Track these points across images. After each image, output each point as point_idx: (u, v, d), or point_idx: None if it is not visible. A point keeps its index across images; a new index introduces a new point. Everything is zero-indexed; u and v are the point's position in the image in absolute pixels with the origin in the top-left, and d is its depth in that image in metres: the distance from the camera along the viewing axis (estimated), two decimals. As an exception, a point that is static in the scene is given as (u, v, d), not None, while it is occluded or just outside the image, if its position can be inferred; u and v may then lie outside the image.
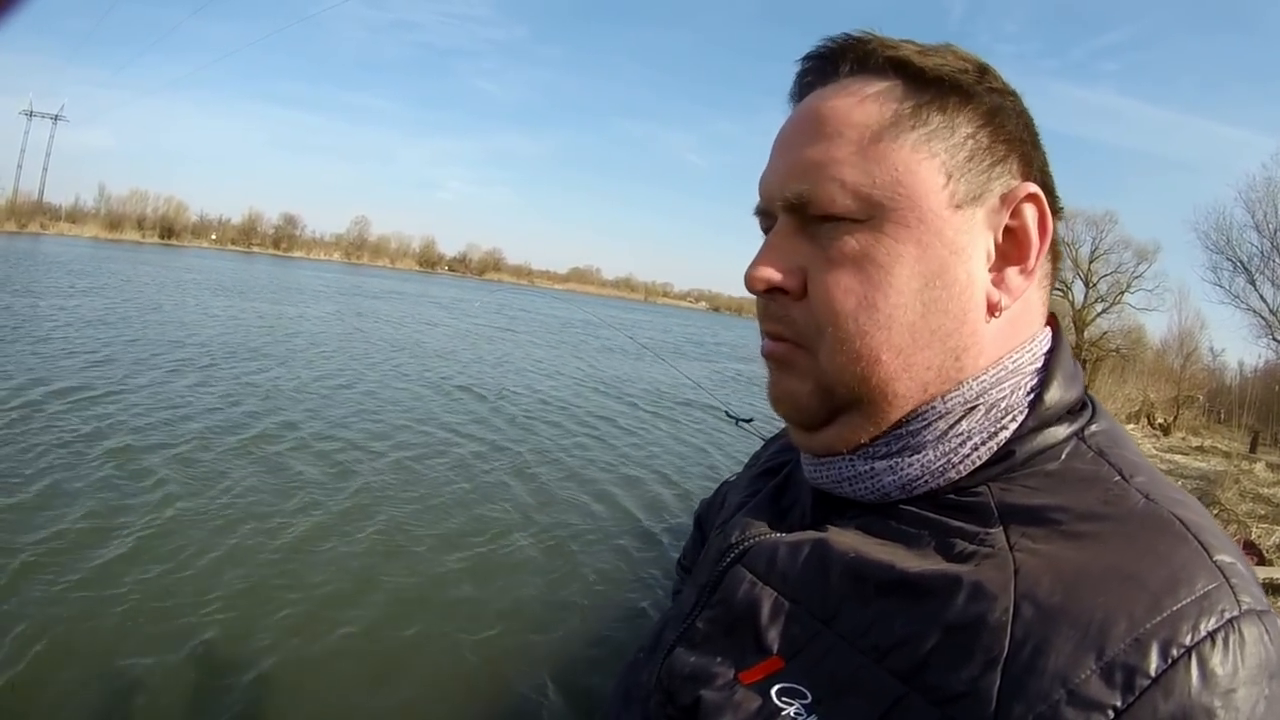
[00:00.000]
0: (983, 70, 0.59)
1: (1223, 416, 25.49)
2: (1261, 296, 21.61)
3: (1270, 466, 14.78)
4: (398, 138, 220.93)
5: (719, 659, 0.56)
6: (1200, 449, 18.11)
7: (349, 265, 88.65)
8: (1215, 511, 8.91)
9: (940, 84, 0.58)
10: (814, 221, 0.58)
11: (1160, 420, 21.80)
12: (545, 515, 6.64)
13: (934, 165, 0.56)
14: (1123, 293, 27.96)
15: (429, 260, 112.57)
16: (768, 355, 0.62)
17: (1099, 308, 28.22)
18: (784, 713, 0.50)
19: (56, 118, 76.14)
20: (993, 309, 0.58)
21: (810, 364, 0.59)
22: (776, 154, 0.63)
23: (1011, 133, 0.59)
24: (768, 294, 0.60)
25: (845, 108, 0.58)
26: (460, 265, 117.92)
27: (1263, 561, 6.91)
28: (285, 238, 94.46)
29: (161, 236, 77.85)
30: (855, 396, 0.57)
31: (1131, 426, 20.76)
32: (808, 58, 0.64)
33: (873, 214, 0.56)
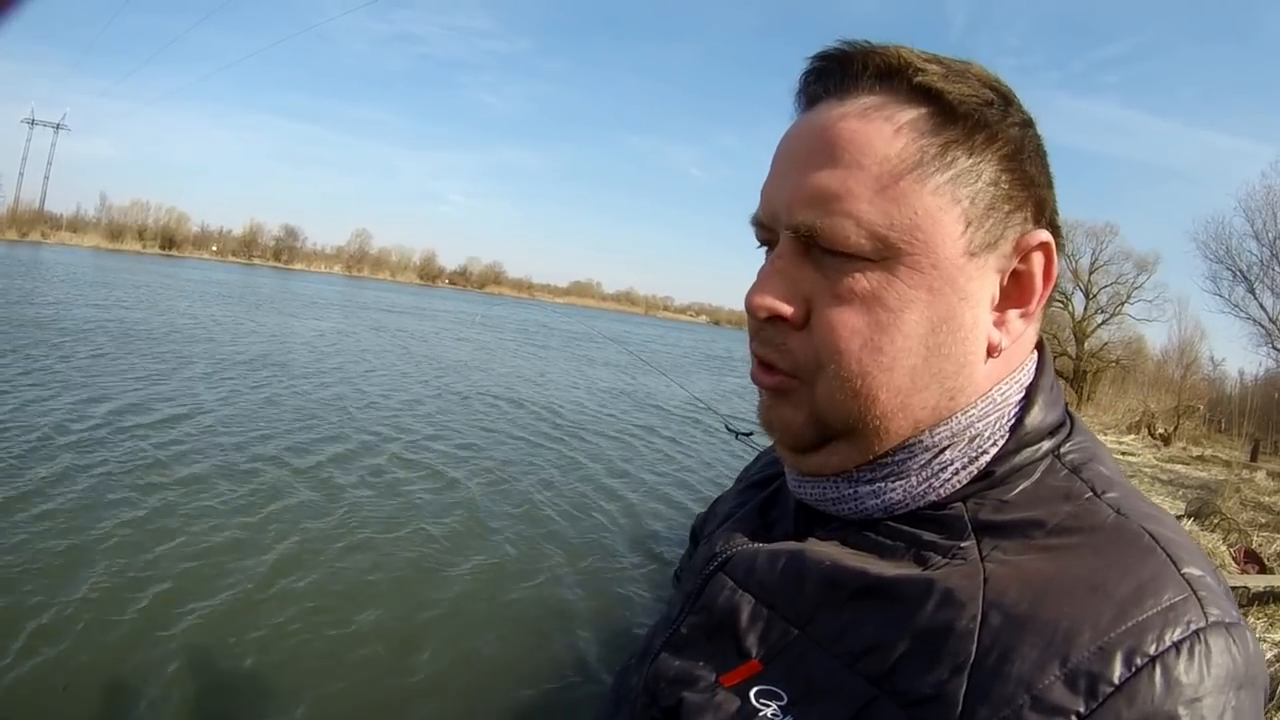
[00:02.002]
0: (1007, 100, 0.57)
1: (1223, 426, 25.43)
2: (1261, 305, 21.77)
3: (1271, 475, 14.74)
4: (399, 150, 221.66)
5: (701, 663, 0.57)
6: (1201, 458, 18.06)
7: (350, 278, 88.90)
8: (1216, 520, 8.90)
9: (966, 119, 0.55)
10: (822, 252, 0.56)
11: (1161, 430, 21.76)
12: (565, 524, 6.75)
13: (955, 213, 0.55)
14: (1123, 304, 28.13)
15: (430, 273, 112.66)
16: (760, 385, 0.61)
17: (1099, 319, 28.37)
18: (761, 714, 0.51)
19: (58, 126, 76.58)
20: (992, 350, 0.58)
21: (806, 395, 0.58)
22: (784, 169, 0.59)
23: (1031, 176, 0.57)
24: (767, 320, 0.59)
25: (866, 135, 0.55)
26: (461, 279, 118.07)
27: (1264, 570, 6.88)
28: (286, 250, 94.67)
29: (162, 247, 78.13)
30: (848, 429, 0.57)
31: (1132, 437, 20.76)
32: (822, 58, 0.60)
33: (886, 255, 0.54)
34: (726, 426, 5.12)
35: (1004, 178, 0.56)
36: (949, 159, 0.55)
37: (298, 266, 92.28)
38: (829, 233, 0.55)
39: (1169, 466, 15.83)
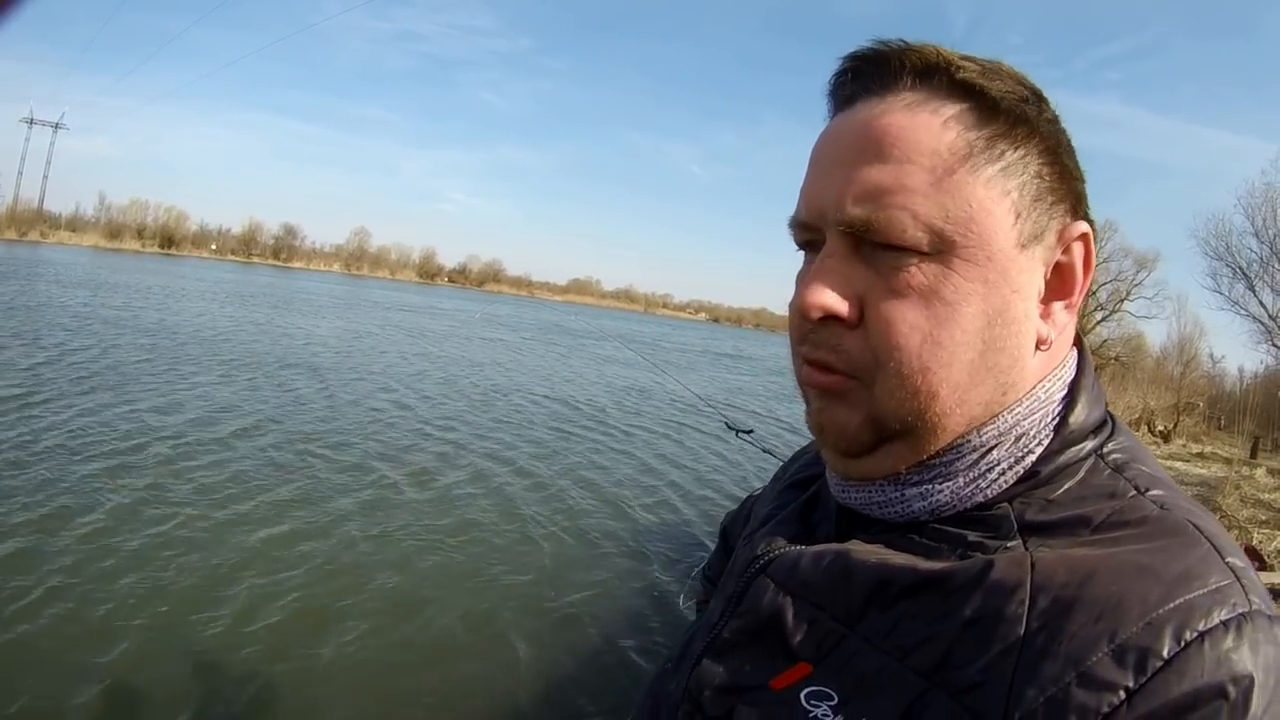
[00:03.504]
0: (1040, 98, 0.58)
1: (1223, 423, 25.49)
2: (1261, 302, 21.70)
3: (1271, 472, 14.75)
4: (400, 149, 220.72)
5: (748, 667, 0.57)
6: (1201, 455, 18.10)
7: (349, 276, 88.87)
8: (1216, 518, 8.90)
9: (1008, 114, 0.56)
10: (874, 248, 0.56)
11: (1160, 427, 21.79)
12: (575, 519, 6.83)
13: (1006, 204, 0.55)
14: (1122, 301, 28.08)
15: (429, 272, 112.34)
16: (814, 386, 0.59)
17: (1099, 316, 28.29)
18: (812, 714, 0.51)
19: (57, 126, 76.18)
20: (1040, 343, 0.58)
21: (863, 396, 0.57)
22: (829, 167, 0.59)
23: (1069, 169, 0.58)
24: (820, 321, 0.57)
25: (914, 129, 0.55)
26: (460, 276, 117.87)
27: (1264, 567, 6.89)
28: (285, 248, 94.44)
29: (161, 246, 77.82)
30: (905, 429, 0.57)
31: (1132, 434, 20.71)
32: (858, 58, 0.60)
33: (941, 249, 0.54)
34: (727, 424, 5.14)
35: (1046, 170, 0.57)
36: (997, 151, 0.55)
37: (297, 265, 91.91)
38: (884, 226, 0.54)
39: (1169, 464, 15.82)
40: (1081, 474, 0.55)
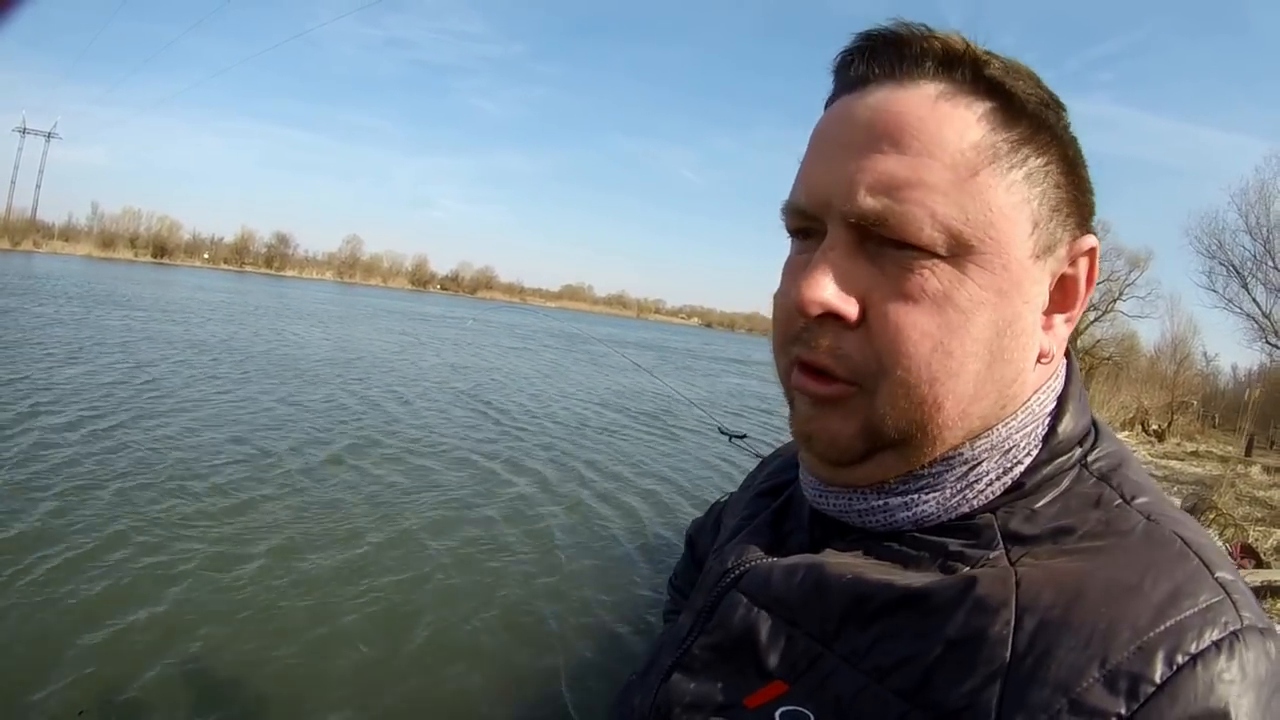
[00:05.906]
0: (1060, 106, 0.56)
1: (1217, 421, 25.57)
2: (1254, 300, 21.85)
3: (1266, 469, 14.81)
4: (391, 156, 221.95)
5: (720, 684, 0.55)
6: (1195, 454, 18.13)
7: (342, 284, 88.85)
8: (1212, 516, 8.90)
9: (1032, 119, 0.53)
10: (881, 244, 0.52)
11: (1155, 426, 21.83)
12: (552, 524, 6.75)
13: (1026, 212, 0.53)
14: (1115, 300, 28.19)
15: (421, 279, 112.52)
16: (809, 394, 0.55)
17: (1091, 316, 28.38)
18: None
19: (50, 135, 76.58)
20: (1042, 356, 0.56)
21: (861, 404, 0.53)
22: (838, 152, 0.54)
23: (1084, 181, 0.56)
24: (816, 319, 0.53)
25: (936, 122, 0.52)
26: (452, 284, 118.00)
27: (1260, 564, 6.88)
28: (278, 257, 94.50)
29: (154, 255, 77.94)
30: (902, 440, 0.54)
31: (1126, 434, 20.79)
32: (875, 38, 0.56)
33: (957, 252, 0.51)
34: (720, 429, 5.11)
35: (1064, 181, 0.55)
36: (1021, 156, 0.53)
37: (289, 273, 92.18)
38: (900, 222, 0.51)
39: (1164, 463, 15.85)
40: (1066, 483, 0.54)
